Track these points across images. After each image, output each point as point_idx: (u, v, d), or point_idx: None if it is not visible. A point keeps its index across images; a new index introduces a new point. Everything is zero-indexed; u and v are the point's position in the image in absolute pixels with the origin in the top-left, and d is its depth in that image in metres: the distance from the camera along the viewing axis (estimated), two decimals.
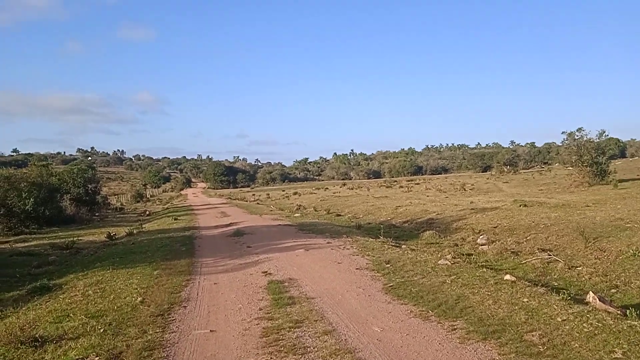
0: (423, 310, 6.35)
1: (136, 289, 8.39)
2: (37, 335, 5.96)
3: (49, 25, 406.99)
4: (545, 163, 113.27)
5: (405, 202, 28.16)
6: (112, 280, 9.25)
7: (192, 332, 6.01)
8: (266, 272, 9.49)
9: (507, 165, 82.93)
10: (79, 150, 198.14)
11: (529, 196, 27.76)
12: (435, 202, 27.65)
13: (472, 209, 21.27)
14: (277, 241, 13.87)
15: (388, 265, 9.41)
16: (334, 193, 50.20)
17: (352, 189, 58.81)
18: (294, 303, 6.99)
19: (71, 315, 6.93)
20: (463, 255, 12.04)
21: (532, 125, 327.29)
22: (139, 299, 7.65)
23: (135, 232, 20.92)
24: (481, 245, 13.94)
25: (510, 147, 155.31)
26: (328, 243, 13.02)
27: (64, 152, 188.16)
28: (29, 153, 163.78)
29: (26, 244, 19.27)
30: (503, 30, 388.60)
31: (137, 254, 12.85)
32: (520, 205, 20.14)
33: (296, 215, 25.69)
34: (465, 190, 40.41)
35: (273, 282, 8.47)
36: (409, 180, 79.16)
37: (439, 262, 9.73)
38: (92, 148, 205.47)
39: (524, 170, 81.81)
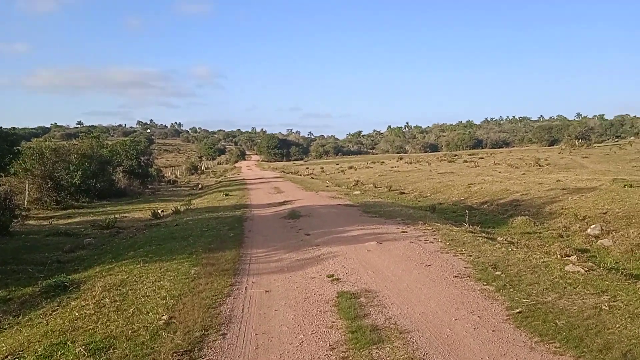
0: None
1: (164, 298, 6.36)
2: None
3: (111, 1, 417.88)
4: (617, 136, 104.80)
5: (476, 179, 25.16)
6: (139, 281, 7.29)
7: None
8: (332, 276, 7.23)
9: (578, 139, 76.76)
10: (138, 122, 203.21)
11: (624, 174, 24.08)
12: (511, 179, 24.50)
13: (562, 188, 18.17)
14: (340, 227, 11.60)
15: (498, 273, 6.91)
16: (392, 167, 47.35)
17: (410, 163, 55.73)
18: (381, 340, 4.69)
19: (69, 343, 4.97)
20: (578, 251, 9.36)
21: (601, 96, 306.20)
22: (164, 316, 5.61)
23: (182, 209, 19.32)
24: (595, 237, 11.11)
25: (577, 119, 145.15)
26: (403, 232, 10.62)
27: (125, 125, 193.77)
28: (92, 125, 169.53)
29: (69, 221, 18.07)
30: None
31: (178, 240, 10.97)
32: (624, 186, 16.87)
33: (355, 192, 23.34)
34: (540, 165, 36.56)
35: (344, 295, 6.20)
36: (470, 154, 74.70)
37: (566, 267, 7.13)
38: (151, 120, 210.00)
39: (598, 145, 75.29)
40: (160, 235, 12.23)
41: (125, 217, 19.02)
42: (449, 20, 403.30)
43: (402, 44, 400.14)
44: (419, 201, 20.68)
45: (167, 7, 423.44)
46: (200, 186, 39.63)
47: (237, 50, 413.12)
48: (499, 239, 10.18)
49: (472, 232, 10.79)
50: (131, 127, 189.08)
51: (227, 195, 24.58)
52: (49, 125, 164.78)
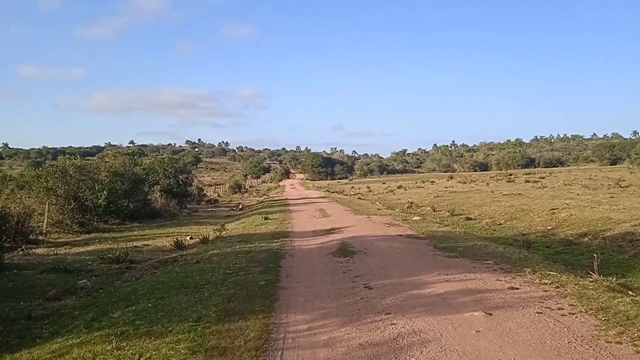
0: None
1: None
2: None
3: (161, 26, 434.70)
4: None
5: (556, 203, 21.13)
6: None
7: None
8: None
9: None
10: (187, 141, 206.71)
11: None
12: (602, 204, 20.31)
13: None
14: (414, 276, 8.27)
15: None
16: (446, 187, 43.36)
17: (464, 182, 51.44)
18: None
19: None
20: None
21: None
22: None
23: (212, 237, 16.48)
24: None
25: (633, 138, 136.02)
26: (512, 289, 7.16)
27: (174, 144, 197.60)
28: (143, 144, 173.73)
29: (82, 250, 15.54)
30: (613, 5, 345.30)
31: (189, 291, 7.93)
32: None
33: (415, 218, 19.83)
34: (621, 187, 31.83)
35: None
36: (527, 174, 69.34)
37: None
38: (199, 140, 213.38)
39: None
40: (170, 279, 9.23)
41: (147, 245, 16.36)
42: (493, 38, 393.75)
43: (444, 61, 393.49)
44: (495, 230, 17.02)
45: (214, 32, 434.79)
46: (240, 206, 37.08)
47: (280, 71, 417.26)
48: None
49: (614, 289, 7.23)
50: (180, 146, 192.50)
51: (266, 219, 21.62)
52: (103, 145, 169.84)
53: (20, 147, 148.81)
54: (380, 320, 5.93)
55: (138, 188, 27.96)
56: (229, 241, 15.04)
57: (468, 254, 10.42)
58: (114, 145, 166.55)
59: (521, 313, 5.95)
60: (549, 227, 16.51)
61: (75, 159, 26.13)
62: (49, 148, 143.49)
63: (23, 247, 14.61)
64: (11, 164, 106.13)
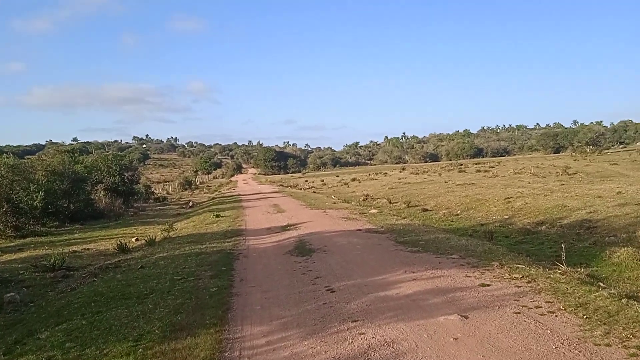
0: None
1: None
2: None
3: (106, 19, 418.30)
4: (621, 142, 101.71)
5: (510, 192, 21.31)
6: None
7: None
8: None
9: (589, 145, 73.38)
10: (134, 138, 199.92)
11: None
12: (554, 191, 20.60)
13: (637, 204, 14.40)
14: (378, 275, 7.72)
15: None
16: (400, 179, 43.48)
17: (417, 173, 51.84)
18: None
19: None
20: None
21: (595, 104, 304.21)
22: None
23: (159, 238, 15.43)
24: None
25: (573, 127, 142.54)
26: (483, 286, 6.73)
27: (121, 140, 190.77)
28: (87, 141, 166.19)
29: (14, 257, 14.12)
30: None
31: (131, 302, 7.05)
32: None
33: (372, 211, 19.42)
34: (569, 174, 32.78)
35: None
36: (476, 163, 71.00)
37: None
38: (147, 136, 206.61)
39: (606, 151, 71.75)
40: (110, 288, 8.26)
41: (88, 249, 15.09)
42: (440, 29, 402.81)
43: (394, 55, 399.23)
44: (452, 221, 16.84)
45: (162, 25, 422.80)
46: (190, 204, 35.72)
47: (231, 65, 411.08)
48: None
49: (585, 281, 6.93)
50: (127, 143, 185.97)
51: (218, 216, 20.63)
52: (44, 143, 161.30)
53: None
54: (347, 329, 5.31)
55: (79, 187, 26.15)
56: (178, 242, 14.05)
57: (431, 247, 9.99)
58: (56, 143, 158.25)
59: (498, 314, 5.48)
60: (505, 217, 16.48)
61: (7, 157, 24.01)
62: None
63: None
64: None
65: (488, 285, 6.75)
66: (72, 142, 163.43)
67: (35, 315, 7.33)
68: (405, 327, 5.19)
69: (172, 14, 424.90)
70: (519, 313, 5.48)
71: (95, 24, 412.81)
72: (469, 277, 7.27)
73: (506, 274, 7.35)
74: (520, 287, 6.60)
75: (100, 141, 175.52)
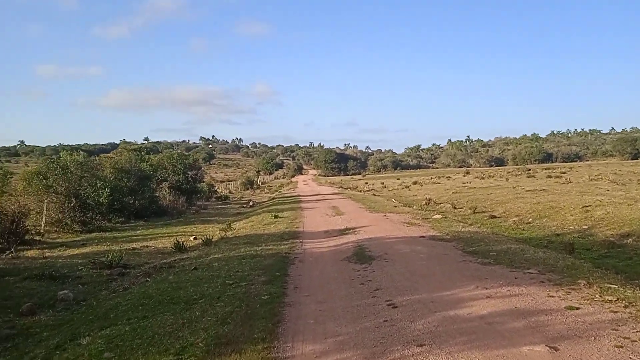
0: None
1: None
2: None
3: (177, 25, 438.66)
4: None
5: (587, 200, 19.53)
6: None
7: None
8: None
9: None
10: (201, 138, 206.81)
11: None
12: (639, 200, 18.75)
13: None
14: (446, 291, 6.91)
15: None
16: (464, 183, 41.66)
17: (482, 178, 49.63)
18: None
19: None
20: None
21: None
22: None
23: (217, 238, 15.26)
24: None
25: None
26: (570, 309, 5.75)
27: (189, 140, 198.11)
28: (157, 141, 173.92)
29: (76, 252, 14.40)
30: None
31: (178, 309, 6.67)
32: None
33: (436, 217, 18.39)
34: None
35: None
36: (546, 169, 67.23)
37: None
38: (213, 136, 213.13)
39: None
40: (160, 291, 7.96)
41: (147, 246, 15.18)
42: (508, 34, 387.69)
43: (456, 58, 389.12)
44: (524, 230, 15.54)
45: (229, 30, 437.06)
46: (251, 203, 35.89)
47: (294, 68, 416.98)
48: None
49: None
50: (194, 143, 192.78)
51: (276, 217, 20.34)
52: (118, 142, 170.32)
53: (36, 145, 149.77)
54: (412, 355, 4.59)
55: (145, 185, 26.87)
56: (234, 243, 13.78)
57: (504, 260, 9.01)
58: (129, 142, 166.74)
59: (595, 347, 4.56)
60: (584, 227, 14.99)
61: (78, 154, 24.98)
62: (65, 145, 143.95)
63: (12, 248, 13.49)
64: (27, 161, 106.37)
65: (577, 308, 5.79)
66: (144, 142, 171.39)
67: (83, 317, 7.13)
68: (481, 358, 4.40)
69: (238, 20, 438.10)
70: (622, 347, 4.53)
71: (167, 30, 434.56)
72: (552, 297, 6.31)
73: (597, 295, 6.33)
74: (616, 312, 5.60)
75: (169, 141, 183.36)
